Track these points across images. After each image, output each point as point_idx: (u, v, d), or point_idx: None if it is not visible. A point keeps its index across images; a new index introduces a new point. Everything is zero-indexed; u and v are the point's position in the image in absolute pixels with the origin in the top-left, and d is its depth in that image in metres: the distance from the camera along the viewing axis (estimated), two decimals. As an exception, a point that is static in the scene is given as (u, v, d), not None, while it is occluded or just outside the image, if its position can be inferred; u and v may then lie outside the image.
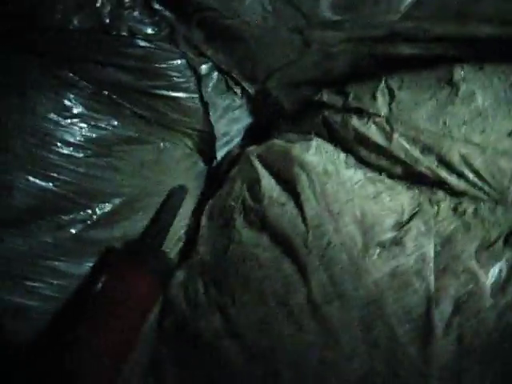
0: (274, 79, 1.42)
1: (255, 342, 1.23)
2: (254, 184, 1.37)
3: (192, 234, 1.54)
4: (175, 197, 1.47)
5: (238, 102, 1.51)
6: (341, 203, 1.17)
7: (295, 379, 1.15)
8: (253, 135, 1.64)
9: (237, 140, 1.64)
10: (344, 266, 1.12)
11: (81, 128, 1.28)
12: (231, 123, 1.55)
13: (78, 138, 1.28)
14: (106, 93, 1.32)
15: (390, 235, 1.11)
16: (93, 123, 1.30)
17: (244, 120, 1.60)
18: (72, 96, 1.27)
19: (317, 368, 1.15)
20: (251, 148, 1.51)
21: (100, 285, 1.24)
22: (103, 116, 1.32)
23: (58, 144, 1.25)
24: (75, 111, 1.28)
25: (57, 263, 1.28)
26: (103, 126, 1.32)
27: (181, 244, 1.54)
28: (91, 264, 1.33)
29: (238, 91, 1.47)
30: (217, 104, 1.44)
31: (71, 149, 1.27)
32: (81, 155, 1.28)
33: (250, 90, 1.47)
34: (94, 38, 1.25)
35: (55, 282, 1.28)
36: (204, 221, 1.51)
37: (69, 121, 1.26)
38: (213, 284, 1.37)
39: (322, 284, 1.15)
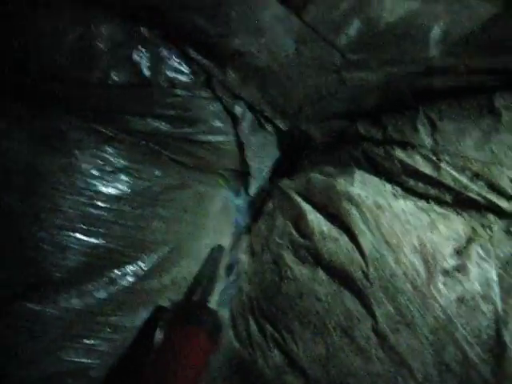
0: (305, 114, 1.45)
1: (322, 376, 1.26)
2: (298, 220, 1.40)
3: (232, 271, 1.56)
4: (215, 254, 1.51)
5: (270, 138, 1.54)
6: (398, 235, 1.21)
7: (368, 411, 1.19)
8: (281, 168, 1.66)
9: (267, 174, 1.65)
10: (409, 295, 1.16)
11: (125, 181, 1.29)
12: (264, 159, 1.57)
13: (123, 192, 1.28)
14: (145, 143, 1.33)
15: (452, 262, 1.15)
16: (136, 175, 1.31)
17: (274, 155, 1.62)
18: (113, 150, 1.28)
19: (390, 397, 1.19)
20: (285, 181, 1.53)
21: (155, 345, 1.26)
22: (144, 167, 1.33)
23: (105, 199, 1.26)
24: (117, 165, 1.28)
25: (112, 318, 1.29)
26: (146, 176, 1.32)
27: (222, 282, 1.55)
28: (144, 316, 1.35)
29: (270, 128, 1.50)
30: (251, 143, 1.45)
31: (119, 203, 1.27)
32: (128, 208, 1.29)
33: (281, 126, 1.49)
34: (133, 91, 1.26)
35: (111, 337, 1.29)
36: (243, 257, 1.52)
37: (112, 175, 1.27)
38: (266, 321, 1.39)
39: (388, 314, 1.18)
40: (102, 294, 1.25)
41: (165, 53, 1.25)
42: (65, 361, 1.23)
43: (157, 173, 1.35)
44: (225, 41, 1.20)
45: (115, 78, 1.22)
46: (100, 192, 1.25)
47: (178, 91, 1.28)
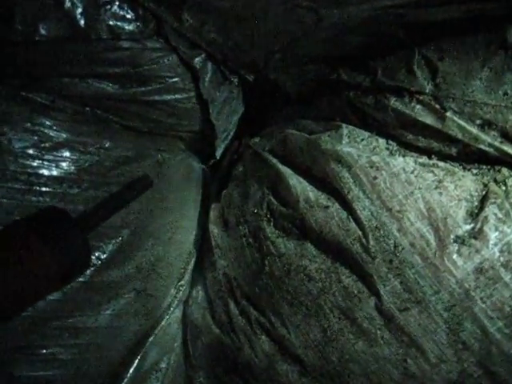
0: (276, 60, 1.25)
1: (319, 363, 1.12)
2: (278, 185, 1.22)
3: (203, 246, 1.38)
4: (133, 185, 1.23)
5: (236, 92, 1.34)
6: (399, 199, 1.04)
7: (375, 398, 1.07)
8: (251, 125, 1.47)
9: (233, 133, 1.46)
10: (418, 269, 1.01)
11: (68, 158, 1.08)
12: (229, 117, 1.38)
13: (67, 171, 1.07)
14: (89, 109, 1.11)
15: (466, 228, 1.00)
16: (81, 149, 1.10)
17: (240, 110, 1.44)
18: (50, 122, 1.06)
19: (400, 382, 1.06)
20: (257, 140, 1.34)
21: None
22: (91, 138, 1.12)
23: (47, 183, 1.05)
24: (58, 139, 1.07)
25: (70, 321, 1.12)
26: (93, 150, 1.12)
27: (193, 260, 1.39)
28: (109, 312, 1.16)
29: (235, 80, 1.29)
30: (215, 99, 1.25)
31: (63, 186, 1.06)
32: (75, 190, 1.09)
33: (248, 77, 1.29)
34: (67, 47, 1.03)
35: (72, 342, 1.12)
36: (216, 229, 1.35)
37: (53, 153, 1.06)
38: (249, 303, 1.23)
39: (394, 291, 1.03)
40: (54, 295, 1.07)
41: (103, -4, 1.03)
42: (19, 377, 1.06)
43: (106, 144, 1.14)
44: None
45: (43, 32, 0.98)
46: (39, 175, 1.04)
47: (124, 43, 1.06)
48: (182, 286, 1.33)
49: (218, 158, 1.42)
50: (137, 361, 1.21)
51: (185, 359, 1.36)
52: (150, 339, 1.24)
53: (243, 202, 1.32)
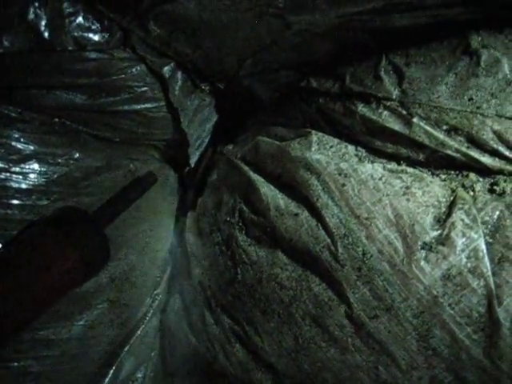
0: (247, 67, 1.25)
1: (293, 371, 1.12)
2: (249, 193, 1.22)
3: (179, 254, 1.38)
4: (139, 182, 1.29)
5: (208, 100, 1.34)
6: (368, 206, 1.04)
7: (347, 405, 1.06)
8: (225, 133, 1.46)
9: (207, 140, 1.45)
10: (387, 276, 1.00)
11: (37, 170, 1.07)
12: (202, 124, 1.37)
13: (36, 183, 1.07)
14: (58, 120, 1.10)
15: (433, 234, 0.99)
16: (50, 161, 1.09)
17: (214, 118, 1.43)
18: (18, 134, 1.06)
19: (371, 389, 1.06)
20: (230, 148, 1.34)
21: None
22: (60, 149, 1.11)
23: (15, 195, 1.04)
24: (26, 151, 1.06)
25: (42, 333, 1.11)
26: (62, 161, 1.11)
27: (169, 268, 1.38)
28: (83, 323, 1.16)
29: (206, 88, 1.29)
30: (186, 107, 1.25)
31: (33, 198, 1.06)
32: (45, 202, 1.08)
33: (219, 84, 1.28)
34: (33, 59, 1.02)
35: (45, 354, 1.11)
36: (191, 237, 1.34)
37: (21, 165, 1.06)
38: (223, 312, 1.23)
39: (363, 299, 1.03)
40: (26, 308, 1.06)
41: (68, 8, 1.02)
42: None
43: (76, 155, 1.13)
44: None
45: (7, 44, 0.98)
46: (7, 187, 1.04)
47: (90, 54, 1.06)
48: (157, 294, 1.32)
49: (192, 165, 1.41)
50: (112, 371, 1.20)
51: (162, 368, 1.35)
52: (126, 349, 1.24)
53: (216, 210, 1.32)
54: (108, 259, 1.14)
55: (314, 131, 1.18)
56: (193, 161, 1.39)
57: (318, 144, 1.15)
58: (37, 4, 0.97)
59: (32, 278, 0.97)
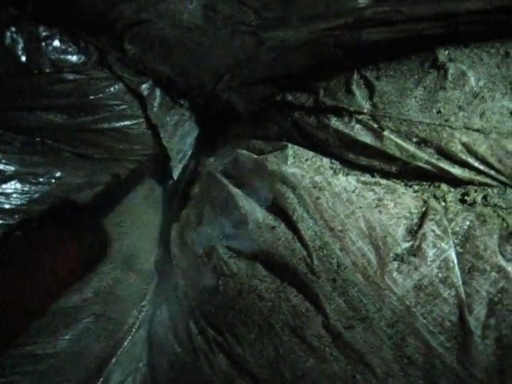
0: (224, 82, 1.27)
1: (274, 380, 1.13)
2: (229, 206, 1.24)
3: (164, 266, 1.40)
4: (132, 175, 1.34)
5: (187, 115, 1.35)
6: (341, 218, 1.06)
7: (325, 412, 1.08)
8: (207, 146, 1.47)
9: (189, 153, 1.46)
10: (361, 287, 1.02)
11: (19, 190, 1.10)
12: (183, 138, 1.39)
13: (18, 203, 1.09)
14: (39, 140, 1.12)
15: (405, 245, 1.01)
16: (33, 180, 1.11)
17: (195, 132, 1.45)
18: (-1, 154, 1.08)
19: (349, 397, 1.08)
20: (211, 160, 1.36)
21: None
22: (41, 169, 1.13)
23: (-1, 216, 1.07)
24: (8, 172, 1.09)
25: (28, 348, 1.13)
26: (44, 180, 1.13)
27: (155, 280, 1.40)
28: (69, 337, 1.18)
29: (186, 104, 1.31)
30: (165, 123, 1.27)
31: (15, 217, 1.08)
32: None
33: (198, 99, 1.30)
34: (11, 82, 1.04)
35: (31, 369, 1.13)
36: (176, 250, 1.36)
37: (3, 186, 1.08)
38: (207, 323, 1.25)
39: (339, 310, 1.05)
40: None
41: (44, 31, 1.04)
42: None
43: (57, 173, 1.16)
44: (114, 10, 1.00)
45: (-16, 69, 1.01)
46: (-11, 210, 1.07)
47: (67, 75, 1.08)
48: (143, 306, 1.35)
49: (175, 178, 1.43)
50: (99, 383, 1.23)
51: (150, 379, 1.37)
52: (113, 361, 1.26)
53: (198, 223, 1.33)
54: (107, 248, 1.19)
55: (290, 144, 1.20)
56: (176, 174, 1.41)
57: (293, 157, 1.17)
58: (13, 29, 1.00)
59: (35, 274, 1.00)
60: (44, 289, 1.01)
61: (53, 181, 1.14)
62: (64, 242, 1.06)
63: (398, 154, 1.06)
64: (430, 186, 1.07)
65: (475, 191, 1.03)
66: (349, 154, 1.13)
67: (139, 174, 1.32)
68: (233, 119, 1.43)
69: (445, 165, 1.03)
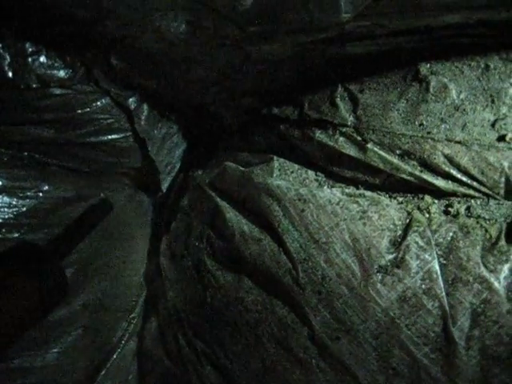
0: (212, 95, 1.28)
1: (261, 392, 1.14)
2: (216, 219, 1.25)
3: (154, 277, 1.40)
4: (95, 211, 1.31)
5: (175, 127, 1.36)
6: (326, 230, 1.07)
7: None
8: (196, 158, 1.48)
9: (178, 166, 1.48)
10: (345, 299, 1.03)
11: (6, 204, 1.10)
12: (171, 151, 1.40)
13: (6, 217, 1.10)
14: (27, 154, 1.13)
15: (388, 257, 1.02)
16: (20, 194, 1.12)
17: (183, 144, 1.45)
18: (-13, 169, 1.09)
19: (336, 409, 1.08)
20: (199, 173, 1.37)
21: None
22: (29, 182, 1.14)
23: (-14, 230, 1.07)
24: (-4, 186, 1.10)
25: (17, 361, 1.14)
26: (32, 194, 1.14)
27: (144, 292, 1.40)
28: (57, 350, 1.18)
29: (173, 116, 1.32)
30: (153, 136, 1.28)
31: (2, 231, 1.09)
32: (15, 235, 1.11)
33: (186, 112, 1.31)
34: (-2, 98, 1.06)
35: (20, 382, 1.14)
36: (165, 262, 1.37)
37: (-9, 200, 1.09)
38: (195, 334, 1.26)
39: (324, 322, 1.06)
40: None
41: (30, 47, 1.05)
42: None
43: (45, 187, 1.16)
44: (99, 26, 1.01)
45: (-30, 87, 1.02)
46: (-24, 223, 1.07)
47: (54, 90, 1.09)
48: (133, 318, 1.35)
49: (164, 190, 1.43)
50: (88, 396, 1.23)
51: (140, 390, 1.38)
52: (102, 373, 1.26)
53: (187, 235, 1.34)
54: (66, 292, 1.16)
55: (275, 157, 1.21)
56: (164, 186, 1.42)
57: (279, 170, 1.18)
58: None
59: None
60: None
61: (40, 194, 1.15)
62: (23, 284, 1.04)
63: (381, 166, 1.07)
64: (413, 197, 1.08)
65: (458, 202, 1.04)
66: (333, 167, 1.14)
67: (102, 210, 1.31)
68: (220, 132, 1.44)
69: (428, 177, 1.04)
